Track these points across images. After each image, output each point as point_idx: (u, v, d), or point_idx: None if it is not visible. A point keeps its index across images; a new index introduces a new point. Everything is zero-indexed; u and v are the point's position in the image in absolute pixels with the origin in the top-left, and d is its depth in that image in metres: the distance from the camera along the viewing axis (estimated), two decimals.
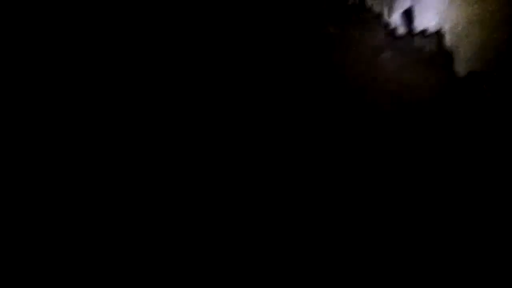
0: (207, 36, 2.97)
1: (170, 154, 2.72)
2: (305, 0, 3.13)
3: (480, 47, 2.82)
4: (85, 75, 2.69)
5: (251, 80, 2.91)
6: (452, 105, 2.77)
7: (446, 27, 2.91)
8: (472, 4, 2.85)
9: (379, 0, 3.07)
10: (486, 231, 2.30)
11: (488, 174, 2.50)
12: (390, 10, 3.02)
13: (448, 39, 2.90)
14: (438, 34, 2.95)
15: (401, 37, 3.07)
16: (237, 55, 2.97)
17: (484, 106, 2.66)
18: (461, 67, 2.85)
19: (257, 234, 2.48)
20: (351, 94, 2.99)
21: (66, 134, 2.56)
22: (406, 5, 3.00)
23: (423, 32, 2.99)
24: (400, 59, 3.09)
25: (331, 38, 3.09)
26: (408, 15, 3.02)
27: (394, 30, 3.03)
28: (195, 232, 2.50)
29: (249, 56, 3.00)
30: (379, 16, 3.08)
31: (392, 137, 2.72)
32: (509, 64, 2.71)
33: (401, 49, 3.13)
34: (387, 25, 3.04)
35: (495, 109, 2.61)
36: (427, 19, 2.99)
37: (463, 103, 2.74)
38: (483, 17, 2.81)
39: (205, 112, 2.80)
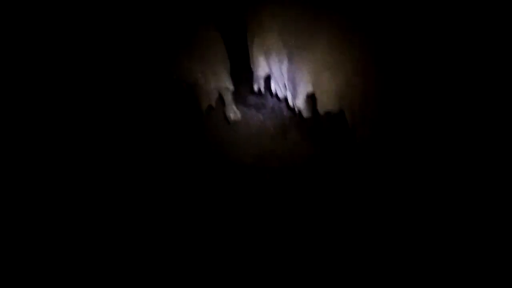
0: None
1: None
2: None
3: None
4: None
5: None
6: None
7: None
8: None
9: (283, 87, 3.08)
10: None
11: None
12: (294, 95, 3.07)
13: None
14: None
15: (305, 120, 3.22)
16: None
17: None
18: None
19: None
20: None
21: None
22: (308, 91, 3.03)
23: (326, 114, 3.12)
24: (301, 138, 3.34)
25: (235, 123, 3.24)
26: (311, 99, 3.09)
27: (298, 113, 3.15)
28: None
29: None
30: (285, 100, 3.15)
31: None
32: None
33: (304, 130, 3.34)
34: (292, 108, 3.15)
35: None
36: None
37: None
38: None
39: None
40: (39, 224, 2.42)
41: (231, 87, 3.03)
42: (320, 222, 2.85)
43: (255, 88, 3.12)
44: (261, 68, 3.06)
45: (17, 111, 2.49)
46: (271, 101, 3.48)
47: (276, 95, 3.16)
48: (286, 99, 3.15)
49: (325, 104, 2.92)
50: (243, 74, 3.20)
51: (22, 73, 2.49)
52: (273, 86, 3.13)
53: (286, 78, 3.02)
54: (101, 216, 2.62)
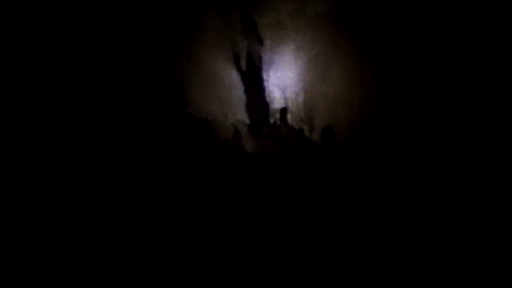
0: None
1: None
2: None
3: None
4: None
5: None
6: None
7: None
8: None
9: (299, 120, 3.10)
10: None
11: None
12: (311, 127, 3.09)
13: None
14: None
15: (322, 152, 3.22)
16: None
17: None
18: None
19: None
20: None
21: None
22: (324, 124, 3.05)
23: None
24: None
25: (251, 156, 3.24)
26: (327, 132, 3.11)
27: (314, 146, 3.16)
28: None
29: None
30: (300, 133, 3.16)
31: None
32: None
33: (320, 162, 3.33)
34: (308, 142, 3.16)
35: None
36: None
37: None
38: None
39: None
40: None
41: (247, 121, 3.06)
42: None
43: (271, 121, 3.14)
44: (277, 101, 3.10)
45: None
46: (286, 133, 3.49)
47: (292, 127, 3.19)
48: (301, 132, 3.17)
49: (341, 136, 2.94)
50: (259, 107, 3.24)
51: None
52: (289, 119, 3.16)
53: (303, 111, 3.06)
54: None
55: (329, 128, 3.06)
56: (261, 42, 3.02)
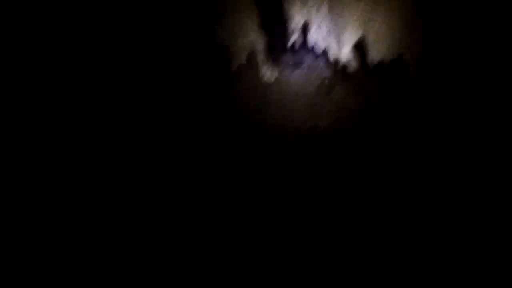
0: None
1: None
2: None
3: None
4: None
5: None
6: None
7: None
8: None
9: (322, 38, 2.60)
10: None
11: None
12: (337, 46, 2.59)
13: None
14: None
15: (354, 73, 2.74)
16: None
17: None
18: None
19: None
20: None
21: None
22: (356, 39, 2.54)
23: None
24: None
25: (268, 85, 2.83)
26: (358, 49, 2.60)
27: (344, 66, 2.69)
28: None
29: None
30: (326, 52, 2.68)
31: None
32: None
33: (350, 86, 2.85)
34: (336, 61, 2.68)
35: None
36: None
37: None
38: None
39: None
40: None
41: (262, 44, 2.59)
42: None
43: (289, 42, 2.65)
44: (296, 18, 2.58)
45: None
46: (309, 57, 2.99)
47: (315, 49, 2.68)
48: (326, 53, 2.66)
49: (377, 53, 2.41)
50: (274, 26, 2.73)
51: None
52: (310, 39, 2.65)
53: (327, 27, 2.53)
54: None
55: (360, 46, 2.54)
56: None
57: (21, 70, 2.35)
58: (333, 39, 2.56)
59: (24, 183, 2.35)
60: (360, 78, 2.80)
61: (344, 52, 2.59)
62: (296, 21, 2.63)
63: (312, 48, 2.68)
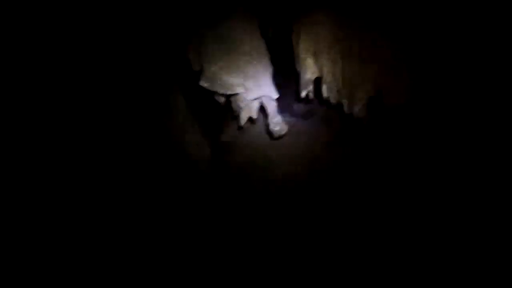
0: None
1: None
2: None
3: None
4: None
5: None
6: None
7: None
8: None
9: (336, 91, 2.58)
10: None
11: None
12: (351, 100, 2.56)
13: None
14: None
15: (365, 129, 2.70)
16: None
17: None
18: None
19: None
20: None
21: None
22: (370, 94, 2.52)
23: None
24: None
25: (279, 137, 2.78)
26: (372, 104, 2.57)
27: (356, 121, 2.64)
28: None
29: None
30: (338, 107, 2.65)
31: None
32: None
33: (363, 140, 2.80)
34: (347, 116, 2.64)
35: None
36: None
37: None
38: None
39: None
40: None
41: (274, 95, 2.59)
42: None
43: (303, 94, 2.64)
44: (310, 70, 2.59)
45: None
46: (321, 109, 2.97)
47: (328, 101, 2.67)
48: (340, 106, 2.64)
49: (392, 106, 2.40)
50: (288, 78, 2.75)
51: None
52: (324, 91, 2.64)
53: (341, 81, 2.53)
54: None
55: (374, 101, 2.52)
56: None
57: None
58: (346, 93, 2.55)
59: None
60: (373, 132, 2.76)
61: (356, 106, 2.57)
62: (310, 72, 2.64)
63: (323, 101, 2.67)
